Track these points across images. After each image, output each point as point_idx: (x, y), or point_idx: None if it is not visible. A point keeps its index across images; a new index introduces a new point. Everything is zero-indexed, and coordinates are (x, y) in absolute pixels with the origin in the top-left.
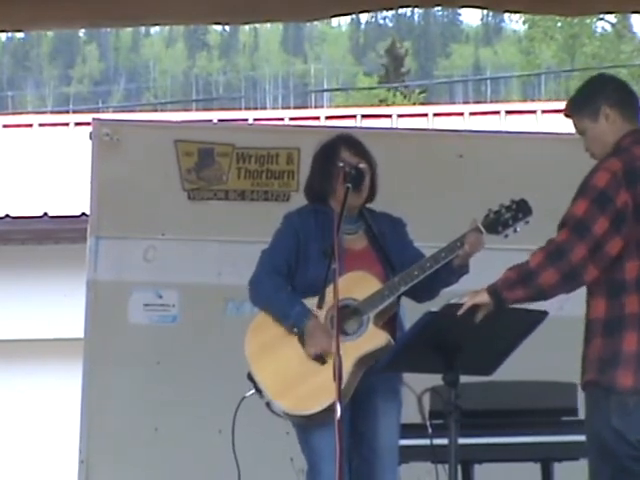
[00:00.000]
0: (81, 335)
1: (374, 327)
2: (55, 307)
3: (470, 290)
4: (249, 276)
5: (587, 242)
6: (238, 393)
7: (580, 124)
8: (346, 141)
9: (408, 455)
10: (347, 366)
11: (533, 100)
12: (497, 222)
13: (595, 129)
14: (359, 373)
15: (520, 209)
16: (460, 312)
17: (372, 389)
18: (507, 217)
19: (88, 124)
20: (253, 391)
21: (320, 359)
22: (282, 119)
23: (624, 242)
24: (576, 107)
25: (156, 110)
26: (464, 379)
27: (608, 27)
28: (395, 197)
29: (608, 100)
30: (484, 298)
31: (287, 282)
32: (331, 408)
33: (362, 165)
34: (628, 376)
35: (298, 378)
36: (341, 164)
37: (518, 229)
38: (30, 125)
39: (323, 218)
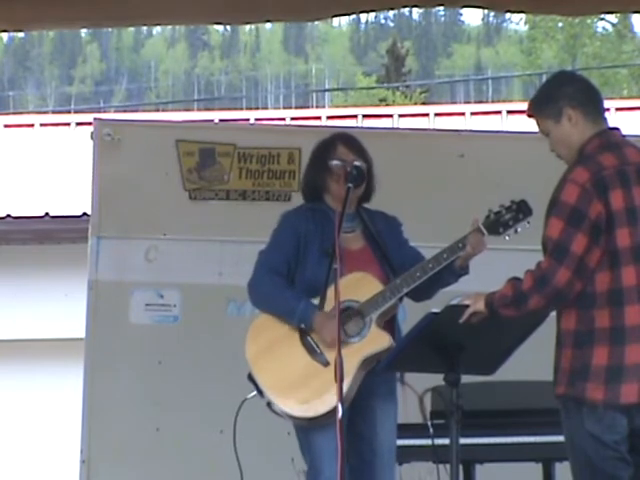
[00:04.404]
0: (82, 335)
1: (377, 328)
2: (56, 307)
3: (469, 291)
4: (250, 276)
5: (568, 264)
6: (239, 393)
7: (543, 125)
8: (342, 138)
9: (409, 455)
10: (351, 368)
11: None
12: (498, 223)
13: (558, 131)
14: (361, 375)
15: (520, 210)
16: (462, 320)
17: (370, 390)
18: (508, 218)
19: (89, 124)
20: (254, 393)
21: (323, 360)
22: (283, 119)
23: (601, 252)
24: (538, 108)
25: (157, 110)
26: (465, 379)
27: (609, 27)
28: (396, 197)
29: (571, 101)
30: (481, 307)
31: (287, 281)
32: (334, 410)
33: (360, 163)
34: (598, 390)
35: (300, 380)
36: (335, 162)
37: (519, 230)
38: (31, 125)
39: (321, 217)
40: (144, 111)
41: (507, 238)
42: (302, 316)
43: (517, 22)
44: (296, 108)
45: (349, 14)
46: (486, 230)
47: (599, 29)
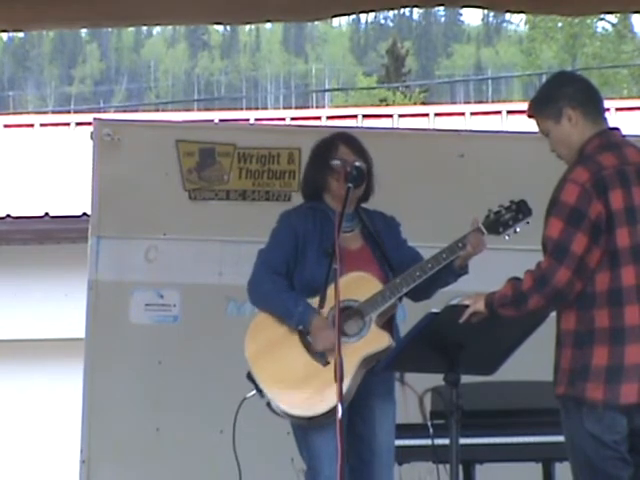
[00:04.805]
0: (82, 335)
1: (376, 328)
2: (56, 307)
3: (469, 291)
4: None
5: (568, 264)
6: (239, 393)
7: (543, 125)
8: (343, 138)
9: (409, 455)
10: (351, 367)
11: None
12: (498, 223)
13: (558, 131)
14: (361, 374)
15: (520, 210)
16: (462, 320)
17: (370, 390)
18: (507, 218)
19: (89, 124)
20: (254, 392)
21: (322, 360)
22: (283, 119)
23: (601, 252)
24: (538, 108)
25: (157, 110)
26: (465, 379)
27: (609, 27)
28: (396, 197)
29: (571, 101)
30: (481, 307)
31: (287, 281)
32: (333, 410)
33: (360, 163)
34: (598, 390)
35: (301, 379)
36: (337, 162)
37: (518, 230)
38: (31, 125)
39: (321, 217)
40: (144, 111)
41: (507, 238)
42: (300, 319)
43: (517, 22)
44: (296, 108)
45: (349, 14)
46: (486, 230)
47: (599, 29)
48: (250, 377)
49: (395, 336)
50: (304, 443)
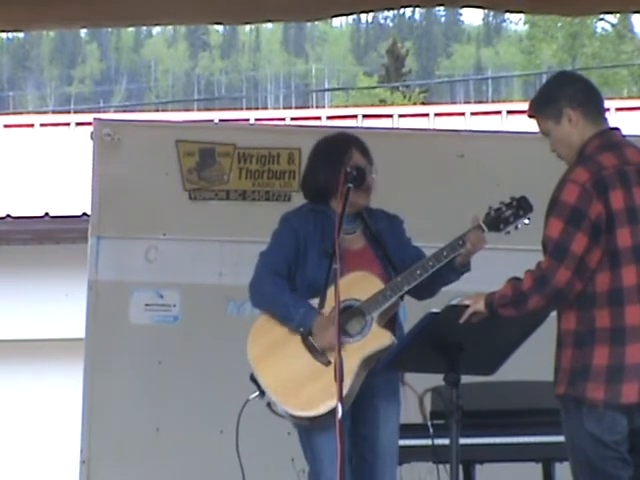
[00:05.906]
0: (82, 335)
1: (378, 327)
2: (56, 307)
3: (469, 291)
4: (250, 276)
5: (568, 264)
6: (239, 393)
7: (543, 125)
8: (357, 144)
9: (409, 455)
10: (352, 367)
11: None
12: (498, 219)
13: (558, 131)
14: (363, 374)
15: (521, 206)
16: (462, 320)
17: (374, 390)
18: (508, 214)
19: (89, 124)
20: (257, 393)
21: (324, 360)
22: (283, 119)
23: (602, 252)
24: (538, 108)
25: (157, 110)
26: (465, 379)
27: (608, 27)
28: (396, 197)
29: (571, 101)
30: (481, 307)
31: (288, 283)
32: (335, 410)
33: (365, 166)
34: (599, 390)
35: (303, 379)
36: (350, 169)
37: (519, 226)
38: (31, 125)
39: (322, 218)
40: (144, 111)
41: (508, 233)
42: (301, 322)
43: (517, 22)
44: (296, 108)
45: (349, 14)
46: (486, 227)
47: (599, 29)
48: (253, 379)
49: (398, 334)
50: (307, 445)
